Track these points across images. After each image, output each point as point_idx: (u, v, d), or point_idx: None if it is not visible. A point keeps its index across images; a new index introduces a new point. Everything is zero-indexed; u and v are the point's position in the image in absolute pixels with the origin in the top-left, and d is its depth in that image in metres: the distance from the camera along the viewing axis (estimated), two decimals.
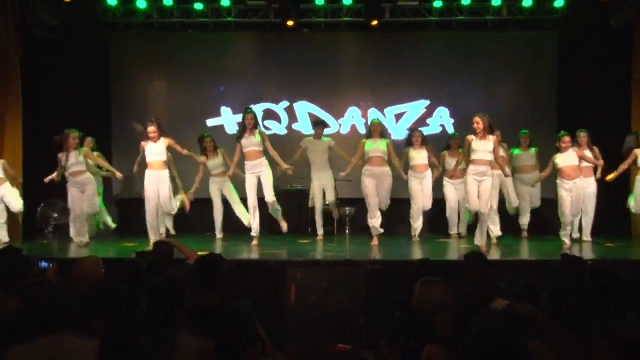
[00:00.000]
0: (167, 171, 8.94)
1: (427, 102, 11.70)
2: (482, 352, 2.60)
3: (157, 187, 8.85)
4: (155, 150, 8.84)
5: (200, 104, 11.80)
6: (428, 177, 9.59)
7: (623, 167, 9.09)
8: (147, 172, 8.90)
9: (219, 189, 9.77)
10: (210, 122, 11.67)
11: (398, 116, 11.75)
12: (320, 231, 9.78)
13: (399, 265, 7.17)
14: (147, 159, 8.90)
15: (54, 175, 9.10)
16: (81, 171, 8.98)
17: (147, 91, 11.92)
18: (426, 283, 4.11)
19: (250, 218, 9.18)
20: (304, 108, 11.76)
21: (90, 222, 9.63)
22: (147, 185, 8.89)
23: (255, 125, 9.02)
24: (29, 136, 10.17)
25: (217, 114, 11.76)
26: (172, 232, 10.09)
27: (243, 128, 8.99)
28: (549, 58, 11.58)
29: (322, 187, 9.80)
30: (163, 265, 5.38)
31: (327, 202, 9.98)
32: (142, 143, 8.90)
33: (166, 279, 3.67)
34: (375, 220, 9.05)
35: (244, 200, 9.48)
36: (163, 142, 8.84)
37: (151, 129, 8.81)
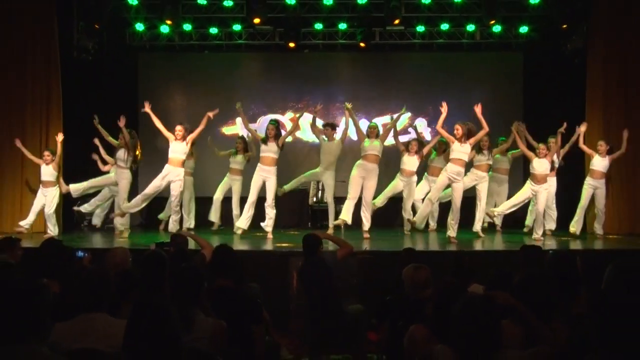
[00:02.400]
0: (182, 170, 8.85)
1: (409, 114, 11.71)
2: (463, 331, 2.60)
3: (169, 182, 8.79)
4: (178, 148, 8.80)
5: (216, 114, 11.77)
6: (413, 182, 9.55)
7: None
8: (167, 165, 8.85)
9: (228, 184, 9.70)
10: (227, 130, 11.67)
11: (384, 125, 11.73)
12: (287, 187, 9.54)
13: (387, 256, 7.17)
14: (169, 154, 8.84)
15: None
16: (122, 167, 9.11)
17: (170, 105, 11.91)
18: (415, 268, 4.12)
19: (245, 212, 9.14)
20: (305, 118, 11.76)
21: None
22: (161, 175, 8.82)
23: (277, 135, 9.01)
24: (67, 142, 10.16)
25: (232, 123, 11.75)
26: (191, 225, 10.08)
27: (267, 136, 9.04)
28: (516, 76, 11.66)
29: (320, 181, 9.68)
30: (186, 254, 5.41)
31: (324, 200, 9.94)
32: (171, 137, 8.85)
33: (189, 266, 3.67)
34: (349, 206, 8.99)
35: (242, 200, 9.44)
36: (186, 144, 8.83)
37: (178, 127, 8.83)
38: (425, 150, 9.51)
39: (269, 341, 4.55)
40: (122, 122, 8.96)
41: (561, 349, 2.96)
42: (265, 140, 9.01)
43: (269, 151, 8.97)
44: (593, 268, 4.06)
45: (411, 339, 3.29)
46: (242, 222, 9.11)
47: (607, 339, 2.43)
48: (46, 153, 9.33)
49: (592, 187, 9.10)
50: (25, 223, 9.18)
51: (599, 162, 9.08)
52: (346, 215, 8.94)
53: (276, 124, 9.16)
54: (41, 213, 9.31)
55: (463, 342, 2.60)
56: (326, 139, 9.46)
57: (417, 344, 3.22)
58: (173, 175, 8.77)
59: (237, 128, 11.69)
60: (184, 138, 8.82)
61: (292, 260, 7.03)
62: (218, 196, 9.77)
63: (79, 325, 3.04)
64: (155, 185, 8.79)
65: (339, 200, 10.19)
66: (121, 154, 9.03)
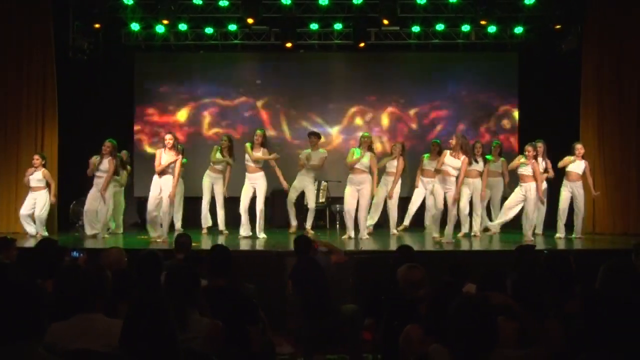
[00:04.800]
0: (171, 176, 8.62)
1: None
2: (458, 330, 2.61)
3: (161, 189, 8.57)
4: (167, 159, 8.56)
5: (211, 114, 11.81)
6: (398, 183, 9.57)
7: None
8: (155, 176, 8.63)
9: (211, 182, 9.55)
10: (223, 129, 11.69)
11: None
12: (294, 222, 9.62)
13: (383, 256, 7.17)
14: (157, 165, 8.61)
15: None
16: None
17: (165, 104, 11.90)
18: (410, 267, 4.12)
19: (242, 218, 9.10)
20: (301, 118, 11.81)
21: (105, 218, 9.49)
22: (153, 186, 8.61)
23: (263, 143, 9.00)
24: (63, 143, 10.18)
25: (227, 122, 11.77)
26: (179, 227, 10.04)
27: (253, 143, 9.01)
28: (511, 76, 11.68)
29: (301, 189, 9.67)
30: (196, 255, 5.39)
31: (321, 199, 9.94)
32: (158, 151, 8.66)
33: (184, 265, 3.67)
34: (349, 220, 8.96)
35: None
36: (174, 156, 8.60)
37: (168, 136, 8.62)
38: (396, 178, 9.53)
39: (265, 341, 4.55)
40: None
41: (555, 348, 2.98)
42: (252, 147, 9.00)
43: (254, 161, 8.99)
44: (587, 267, 4.08)
45: (406, 339, 3.29)
46: (244, 230, 9.08)
47: (601, 338, 2.45)
48: (36, 157, 9.26)
49: (569, 190, 9.08)
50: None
51: (576, 165, 9.04)
52: (349, 231, 8.98)
53: (263, 132, 9.19)
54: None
55: (458, 341, 2.61)
56: (310, 148, 9.62)
57: (412, 344, 3.23)
58: (163, 183, 8.59)
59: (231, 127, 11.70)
60: (173, 147, 8.59)
61: (288, 260, 7.04)
62: (207, 200, 9.57)
63: (75, 326, 3.03)
64: (152, 201, 8.61)
65: (336, 201, 10.24)
66: (97, 161, 8.89)
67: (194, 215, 10.09)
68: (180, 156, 8.70)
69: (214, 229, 9.62)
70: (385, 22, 10.47)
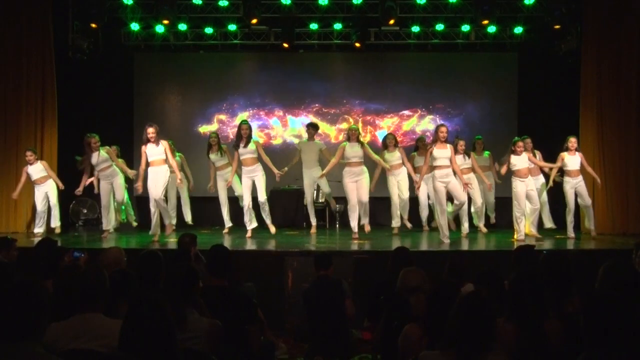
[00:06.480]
0: (166, 166, 8.54)
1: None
2: (458, 327, 2.62)
3: (157, 180, 8.46)
4: (156, 151, 8.44)
5: (211, 114, 11.82)
6: (402, 173, 9.50)
7: (553, 171, 9.13)
8: (150, 169, 8.49)
9: (224, 180, 9.57)
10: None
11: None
12: (314, 222, 9.69)
13: (382, 256, 7.16)
14: (150, 159, 8.46)
15: (81, 184, 9.02)
16: (108, 166, 8.94)
17: (165, 104, 11.91)
18: (406, 271, 4.13)
19: (245, 216, 9.10)
20: (299, 118, 11.81)
21: (117, 213, 9.54)
22: (150, 181, 8.49)
23: (250, 135, 8.91)
24: (63, 142, 10.18)
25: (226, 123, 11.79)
26: (190, 222, 10.12)
27: (239, 137, 8.88)
28: (511, 75, 11.68)
29: (313, 183, 9.71)
30: (188, 254, 5.39)
31: (321, 199, 9.94)
32: (143, 147, 8.48)
33: (183, 265, 3.68)
34: (354, 215, 8.84)
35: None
36: (162, 144, 8.46)
37: (151, 130, 8.41)
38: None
39: (264, 341, 4.56)
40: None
41: (555, 348, 2.98)
42: (237, 145, 8.88)
43: (247, 153, 8.86)
44: (586, 268, 4.08)
45: (406, 339, 3.30)
46: (251, 223, 9.09)
47: (601, 338, 2.46)
48: (28, 153, 9.25)
49: (572, 187, 9.02)
50: (39, 227, 9.30)
51: (571, 160, 9.00)
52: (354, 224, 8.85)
53: (248, 123, 9.05)
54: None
55: (458, 341, 2.61)
56: (306, 138, 9.71)
57: (411, 344, 3.23)
58: (159, 174, 8.48)
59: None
60: (157, 139, 8.43)
61: (287, 259, 7.05)
62: (224, 200, 9.58)
63: (74, 326, 3.04)
64: (153, 194, 8.52)
65: (336, 200, 10.24)
66: (91, 160, 8.91)
67: (214, 214, 10.08)
68: (165, 141, 8.57)
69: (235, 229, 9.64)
70: (391, 21, 10.44)
